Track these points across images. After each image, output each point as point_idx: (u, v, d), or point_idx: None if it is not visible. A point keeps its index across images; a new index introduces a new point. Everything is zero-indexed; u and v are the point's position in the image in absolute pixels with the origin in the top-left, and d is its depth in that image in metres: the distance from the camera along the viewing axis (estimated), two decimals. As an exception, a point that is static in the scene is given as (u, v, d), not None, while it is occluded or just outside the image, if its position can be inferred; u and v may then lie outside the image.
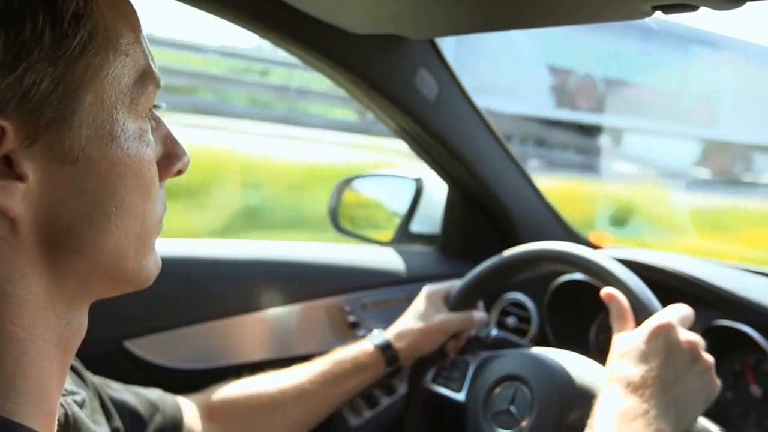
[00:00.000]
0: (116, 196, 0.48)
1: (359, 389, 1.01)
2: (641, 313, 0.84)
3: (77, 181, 0.45)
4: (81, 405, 0.63)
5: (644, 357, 0.76)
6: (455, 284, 1.09)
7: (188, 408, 0.91)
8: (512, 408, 0.91)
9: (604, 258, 0.92)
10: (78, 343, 0.51)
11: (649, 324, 0.79)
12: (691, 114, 10.27)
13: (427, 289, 1.09)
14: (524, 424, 0.89)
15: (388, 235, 1.41)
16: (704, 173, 9.89)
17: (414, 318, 1.05)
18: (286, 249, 1.25)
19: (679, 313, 0.82)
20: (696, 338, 0.79)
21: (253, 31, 0.96)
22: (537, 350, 0.97)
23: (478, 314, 1.08)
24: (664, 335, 0.77)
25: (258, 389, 0.97)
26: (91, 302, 0.51)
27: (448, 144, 1.15)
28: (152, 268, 0.53)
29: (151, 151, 0.51)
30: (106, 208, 0.47)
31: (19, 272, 0.45)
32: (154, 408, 0.83)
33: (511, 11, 0.72)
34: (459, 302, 1.06)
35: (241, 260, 1.17)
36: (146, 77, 0.50)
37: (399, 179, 1.46)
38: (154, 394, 0.86)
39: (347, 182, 1.48)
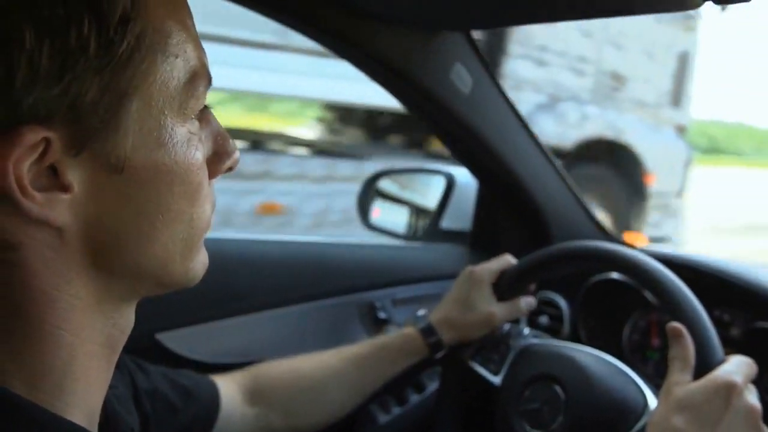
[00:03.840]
0: (162, 203, 0.46)
1: (401, 373, 1.02)
2: (705, 359, 0.77)
3: (123, 190, 0.44)
4: (119, 399, 0.63)
5: (701, 417, 0.72)
6: (500, 264, 1.05)
7: (227, 391, 0.90)
8: (545, 409, 0.90)
9: (678, 285, 0.83)
10: (125, 339, 0.51)
11: (715, 380, 0.73)
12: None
13: (471, 273, 1.04)
14: (554, 426, 0.88)
15: (418, 231, 1.40)
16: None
17: (460, 307, 1.02)
18: (317, 244, 1.24)
19: (745, 371, 0.75)
20: (757, 406, 0.73)
21: (286, 23, 0.96)
22: (578, 354, 0.94)
23: (526, 301, 1.05)
24: (726, 396, 0.72)
25: (302, 372, 0.97)
26: (138, 300, 0.51)
27: (482, 139, 1.13)
28: (199, 269, 0.52)
29: (200, 155, 0.49)
30: (152, 216, 0.46)
31: (66, 278, 0.44)
32: (189, 396, 0.83)
33: (557, 1, 0.70)
34: (510, 290, 1.03)
35: (272, 256, 1.17)
36: (196, 77, 0.47)
37: (430, 174, 1.44)
38: (191, 380, 0.86)
39: (377, 177, 1.47)
